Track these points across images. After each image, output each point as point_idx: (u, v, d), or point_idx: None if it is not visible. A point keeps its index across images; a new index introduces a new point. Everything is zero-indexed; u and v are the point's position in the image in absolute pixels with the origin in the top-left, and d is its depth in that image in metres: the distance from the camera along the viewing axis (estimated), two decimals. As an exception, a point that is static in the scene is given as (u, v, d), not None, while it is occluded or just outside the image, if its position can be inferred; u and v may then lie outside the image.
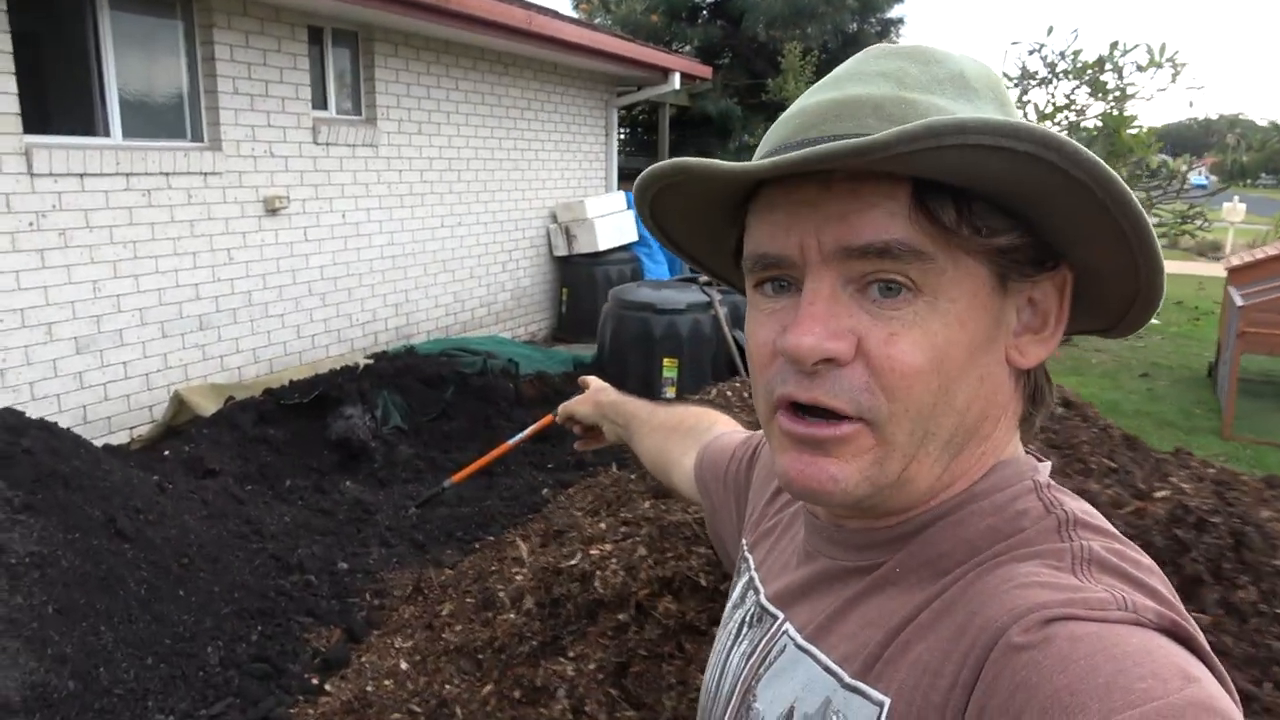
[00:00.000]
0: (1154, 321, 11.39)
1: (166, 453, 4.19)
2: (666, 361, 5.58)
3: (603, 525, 2.77)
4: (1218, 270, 12.66)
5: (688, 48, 11.97)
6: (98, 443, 4.94)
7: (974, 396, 0.58)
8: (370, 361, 5.08)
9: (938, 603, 0.55)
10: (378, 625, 3.18)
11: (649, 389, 5.45)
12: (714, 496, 0.96)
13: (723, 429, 1.09)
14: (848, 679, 0.58)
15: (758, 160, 0.57)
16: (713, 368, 5.61)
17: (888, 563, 0.61)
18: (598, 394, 1.33)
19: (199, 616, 2.94)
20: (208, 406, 4.67)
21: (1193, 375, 8.06)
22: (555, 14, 7.61)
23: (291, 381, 4.77)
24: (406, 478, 4.60)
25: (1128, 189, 0.51)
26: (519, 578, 2.88)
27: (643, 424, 1.21)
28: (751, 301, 0.63)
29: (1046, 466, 0.63)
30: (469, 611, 2.91)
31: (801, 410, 0.58)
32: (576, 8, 14.39)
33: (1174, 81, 10.75)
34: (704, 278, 5.82)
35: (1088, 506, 0.59)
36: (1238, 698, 0.47)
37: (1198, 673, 0.46)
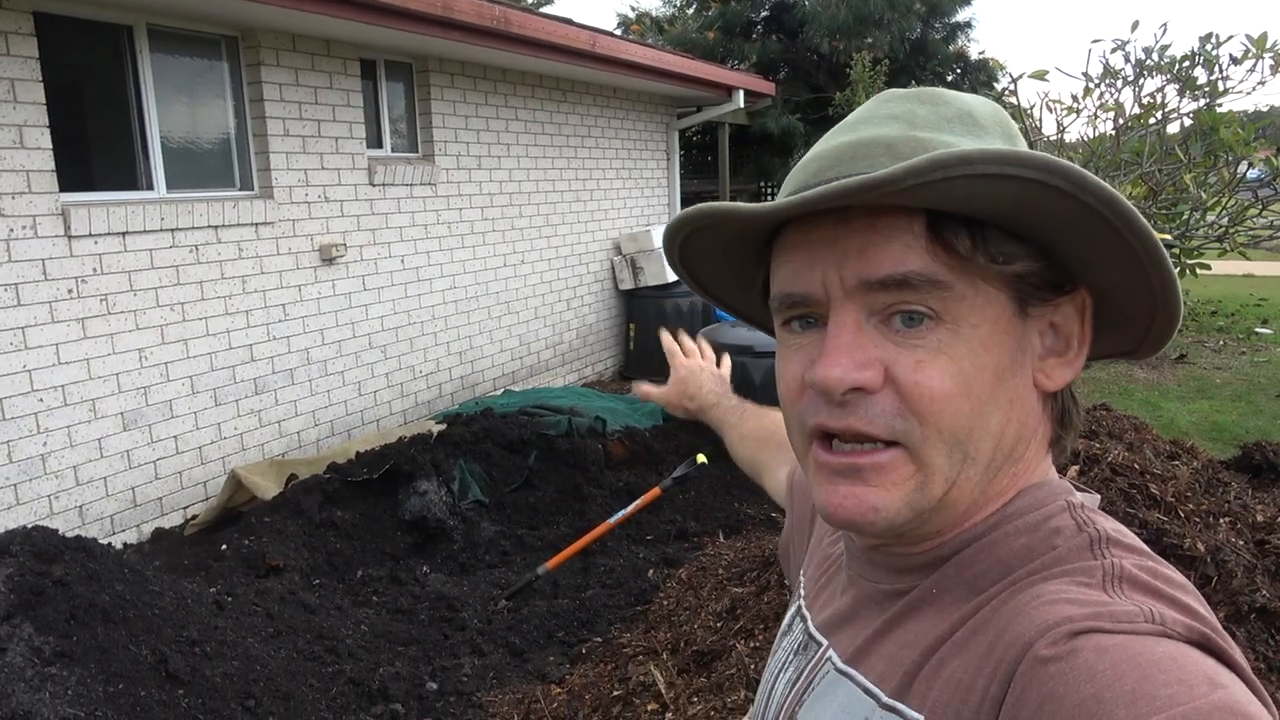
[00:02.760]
0: (1266, 331, 10.54)
1: (224, 546, 3.68)
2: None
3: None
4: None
5: (745, 64, 11.41)
6: (149, 527, 4.49)
7: (1007, 419, 0.59)
8: (444, 427, 4.55)
9: (972, 621, 0.55)
10: (482, 773, 2.62)
11: (749, 442, 4.84)
12: (794, 516, 0.95)
13: None
14: (885, 698, 0.58)
15: (779, 201, 0.58)
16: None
17: (924, 584, 0.60)
18: (685, 401, 1.30)
19: (270, 778, 2.40)
20: (268, 486, 4.18)
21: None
22: (617, 35, 7.12)
23: (358, 454, 4.26)
24: (491, 561, 4.05)
25: (1134, 209, 0.51)
26: (665, 727, 2.29)
27: (733, 429, 1.21)
28: (780, 340, 0.64)
29: (1092, 498, 0.63)
30: (601, 767, 2.32)
31: (833, 441, 0.59)
32: (627, 30, 13.92)
33: (1275, 74, 10.01)
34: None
35: (1121, 527, 0.59)
36: (1275, 710, 0.46)
37: (1226, 680, 0.45)
